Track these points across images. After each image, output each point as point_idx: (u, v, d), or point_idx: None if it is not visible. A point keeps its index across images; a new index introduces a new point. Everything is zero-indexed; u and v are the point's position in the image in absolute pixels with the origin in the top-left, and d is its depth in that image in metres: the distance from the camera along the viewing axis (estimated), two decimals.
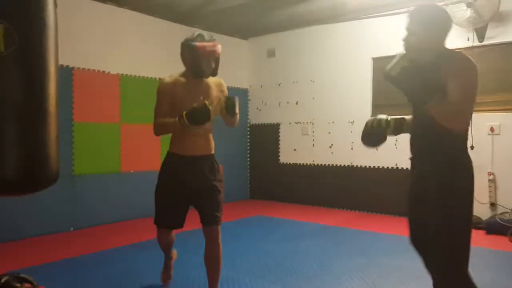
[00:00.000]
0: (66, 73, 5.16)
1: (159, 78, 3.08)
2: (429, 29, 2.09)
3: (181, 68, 2.93)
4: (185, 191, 2.90)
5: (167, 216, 2.97)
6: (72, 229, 5.26)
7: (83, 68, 5.39)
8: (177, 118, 2.68)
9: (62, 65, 5.02)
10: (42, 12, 2.16)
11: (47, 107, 2.19)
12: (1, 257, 4.18)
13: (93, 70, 5.50)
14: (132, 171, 5.85)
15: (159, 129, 2.88)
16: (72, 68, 5.27)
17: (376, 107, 6.30)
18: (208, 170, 2.91)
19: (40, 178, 2.23)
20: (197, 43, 2.77)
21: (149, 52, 6.07)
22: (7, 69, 2.06)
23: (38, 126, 2.17)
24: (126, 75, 5.80)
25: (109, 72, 5.66)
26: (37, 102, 2.17)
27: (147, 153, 5.93)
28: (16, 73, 2.09)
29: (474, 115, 5.79)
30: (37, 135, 2.17)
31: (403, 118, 2.35)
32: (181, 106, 2.74)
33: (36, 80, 2.16)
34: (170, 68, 5.72)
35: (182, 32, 6.68)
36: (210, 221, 2.86)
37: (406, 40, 2.14)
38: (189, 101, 2.70)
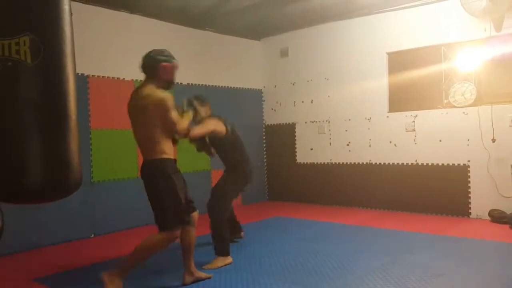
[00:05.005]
0: (81, 81, 5.21)
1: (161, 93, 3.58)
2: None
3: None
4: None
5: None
6: (92, 235, 5.31)
7: (98, 76, 5.44)
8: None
9: (77, 73, 5.06)
10: (61, 22, 2.20)
11: (69, 113, 2.23)
12: (25, 265, 4.25)
13: (108, 77, 5.55)
14: None
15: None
16: (87, 76, 5.33)
17: (393, 102, 6.22)
18: None
19: (66, 185, 2.26)
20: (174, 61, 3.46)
21: None
22: (32, 79, 2.10)
23: (62, 133, 2.21)
24: (141, 81, 5.78)
25: (123, 78, 5.70)
26: (61, 109, 2.21)
27: None
28: (40, 83, 2.13)
29: (494, 107, 5.66)
30: (61, 141, 2.21)
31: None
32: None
33: (59, 88, 2.20)
34: (184, 72, 5.74)
35: (195, 35, 6.74)
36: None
37: None
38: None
